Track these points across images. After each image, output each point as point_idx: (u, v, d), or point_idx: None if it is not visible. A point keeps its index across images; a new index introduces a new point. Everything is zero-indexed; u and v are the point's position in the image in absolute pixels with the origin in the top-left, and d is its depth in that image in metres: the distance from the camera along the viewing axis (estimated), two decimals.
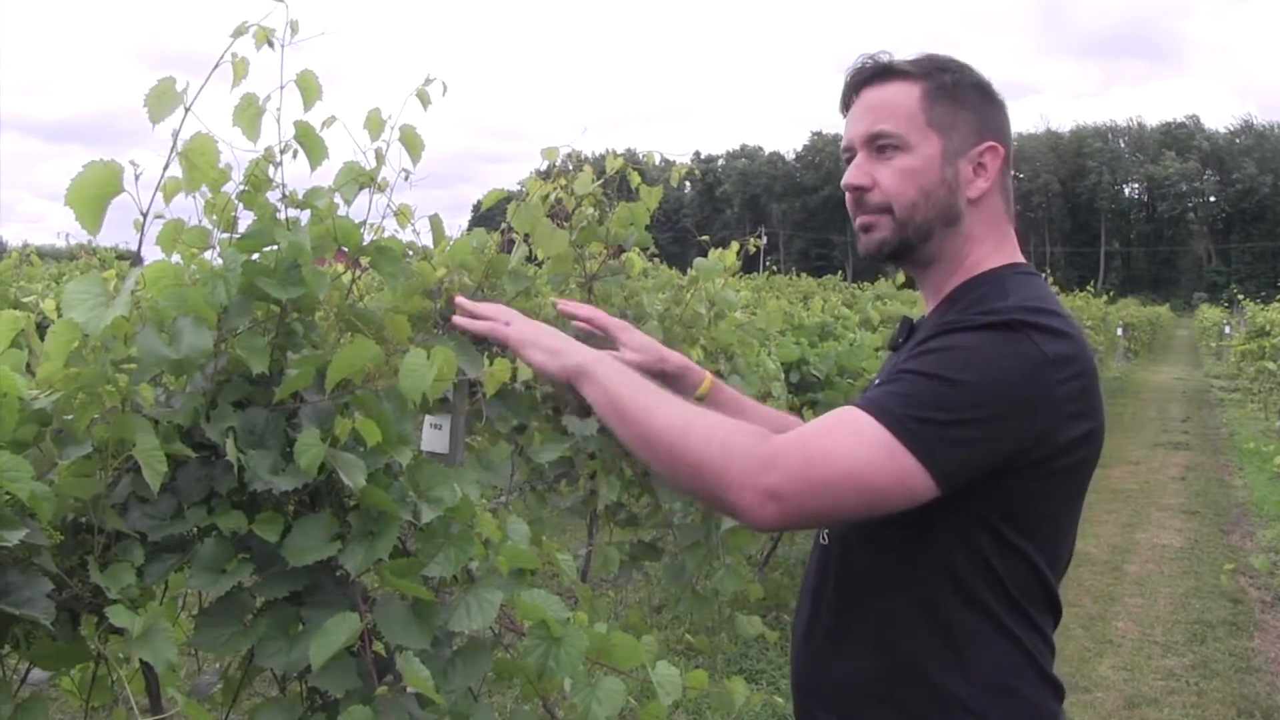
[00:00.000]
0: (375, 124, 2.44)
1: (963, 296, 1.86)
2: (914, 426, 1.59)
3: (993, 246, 1.89)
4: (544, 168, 3.54)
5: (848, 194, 1.90)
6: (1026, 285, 1.82)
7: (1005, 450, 1.63)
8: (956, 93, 1.86)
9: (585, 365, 1.84)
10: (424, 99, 2.48)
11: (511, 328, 1.96)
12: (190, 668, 2.71)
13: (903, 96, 1.85)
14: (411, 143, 2.48)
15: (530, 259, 3.48)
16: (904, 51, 1.93)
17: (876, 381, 1.90)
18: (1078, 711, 5.62)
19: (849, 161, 1.91)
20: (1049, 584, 1.82)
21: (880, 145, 1.85)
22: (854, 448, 1.59)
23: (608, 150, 3.74)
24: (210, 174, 2.15)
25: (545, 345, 1.92)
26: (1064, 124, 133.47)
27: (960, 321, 1.70)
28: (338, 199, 2.36)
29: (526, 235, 3.34)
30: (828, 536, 1.93)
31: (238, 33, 2.10)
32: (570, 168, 3.62)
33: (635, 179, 3.79)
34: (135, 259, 2.25)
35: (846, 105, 1.93)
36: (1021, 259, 1.91)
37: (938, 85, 1.86)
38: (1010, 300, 1.75)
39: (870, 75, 1.90)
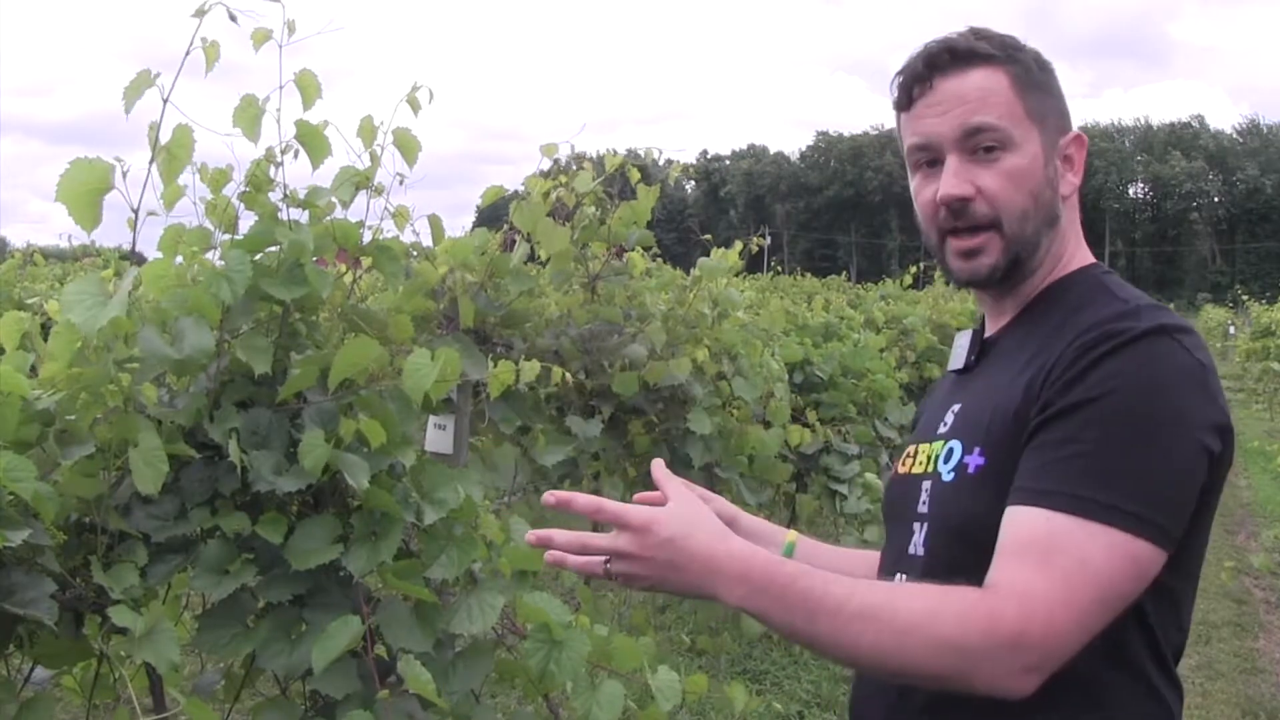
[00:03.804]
0: (368, 130, 2.44)
1: (1055, 300, 1.64)
2: (1132, 508, 1.37)
3: (1076, 243, 1.68)
4: (547, 166, 3.54)
5: (942, 209, 1.61)
6: (1123, 284, 1.62)
7: (1203, 476, 1.45)
8: (1041, 77, 1.63)
9: (721, 596, 1.43)
10: (414, 105, 2.48)
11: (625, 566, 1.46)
12: (194, 666, 2.71)
13: (993, 84, 1.59)
14: (406, 146, 2.48)
15: (532, 258, 3.48)
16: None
17: (956, 408, 1.67)
18: None
19: (922, 164, 1.64)
20: (1186, 629, 1.58)
21: (982, 144, 1.58)
22: (1087, 573, 1.36)
23: (609, 150, 3.74)
24: (186, 163, 2.14)
25: (672, 582, 1.46)
26: None
27: (1098, 342, 1.45)
28: (335, 202, 2.37)
29: (528, 234, 3.34)
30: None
31: (200, 12, 2.08)
32: (574, 166, 3.62)
33: (635, 175, 3.78)
34: (133, 258, 2.25)
35: (910, 98, 1.64)
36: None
37: (1024, 69, 1.61)
38: (1126, 299, 1.55)
39: (948, 61, 1.61)
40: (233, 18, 2.11)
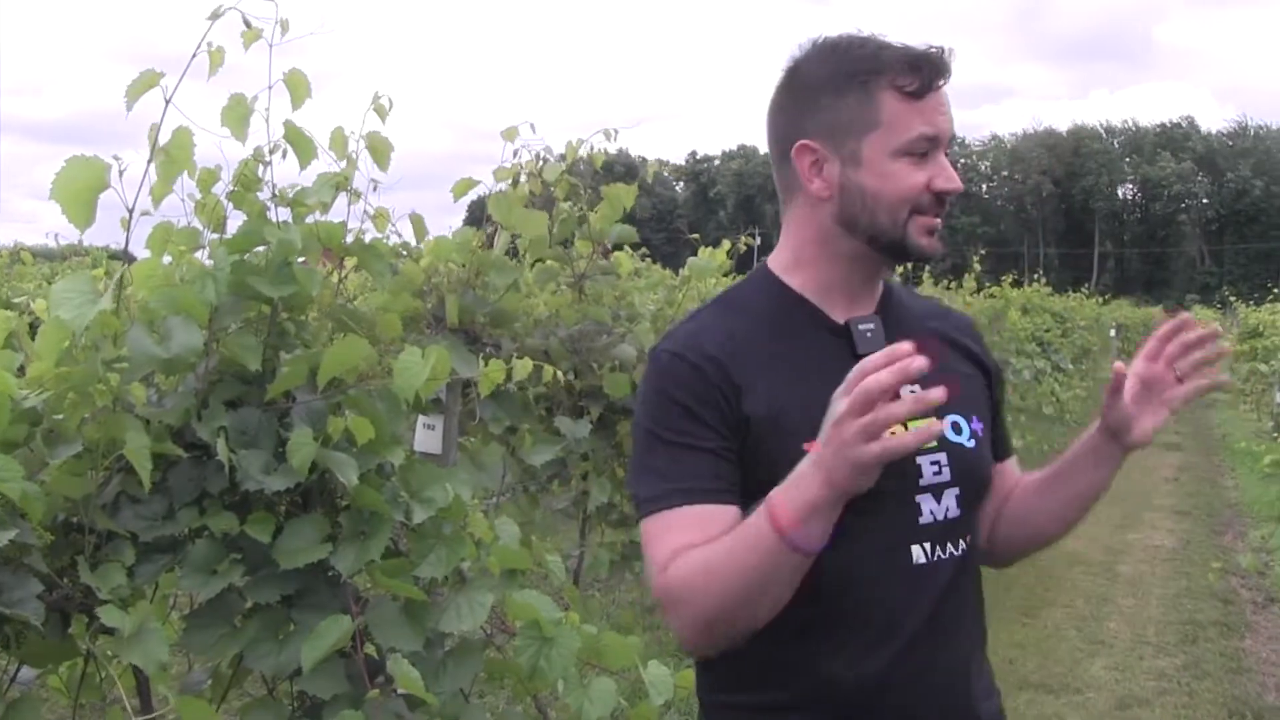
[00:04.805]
0: (339, 140, 2.43)
1: (902, 296, 1.91)
2: None
3: None
4: (515, 156, 3.54)
5: (933, 196, 1.72)
6: None
7: None
8: None
9: None
10: (381, 113, 2.47)
11: None
12: (181, 665, 2.71)
13: None
14: (378, 149, 2.47)
15: (513, 254, 3.47)
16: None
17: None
18: (1070, 712, 5.63)
19: (918, 153, 1.71)
20: None
21: (946, 151, 1.75)
22: None
23: (590, 146, 3.71)
24: (187, 165, 2.14)
25: None
26: (1044, 127, 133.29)
27: (968, 339, 1.94)
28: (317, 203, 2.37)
29: (506, 226, 3.34)
30: (963, 546, 1.78)
31: (214, 15, 2.09)
32: (552, 160, 3.63)
33: (598, 161, 3.74)
34: (125, 257, 2.25)
35: (927, 90, 1.71)
36: None
37: None
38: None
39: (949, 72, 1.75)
40: (248, 23, 2.12)
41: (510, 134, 3.43)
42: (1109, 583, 8.19)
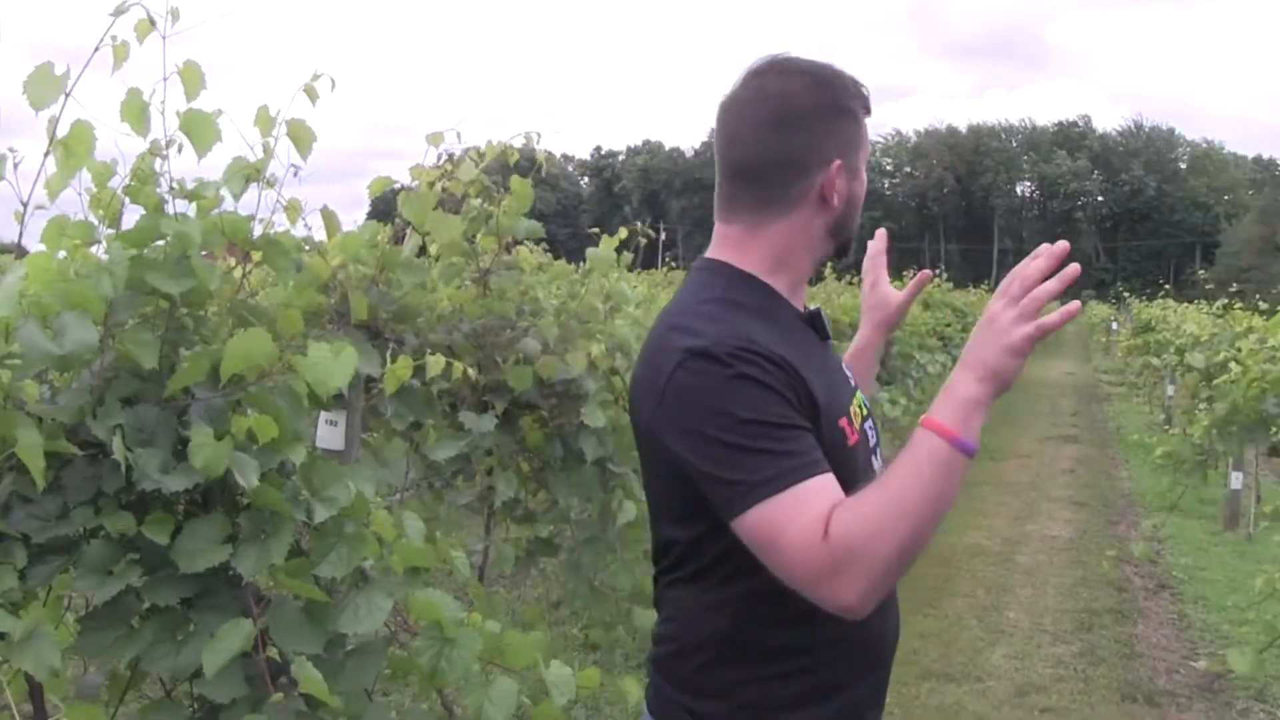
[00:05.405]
0: (264, 120, 2.39)
1: None
2: None
3: None
4: (434, 158, 3.51)
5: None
6: None
7: None
8: None
9: None
10: (312, 94, 2.43)
11: None
12: (76, 668, 2.65)
13: None
14: (300, 137, 2.43)
15: (423, 253, 3.45)
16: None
17: (847, 366, 2.08)
18: (971, 700, 5.72)
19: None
20: None
21: None
22: None
23: (490, 140, 3.70)
24: (86, 160, 2.10)
25: None
26: (945, 125, 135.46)
27: None
28: (226, 194, 2.32)
29: (417, 227, 3.31)
30: None
31: (118, 11, 2.05)
32: (468, 160, 3.60)
33: (513, 156, 3.74)
34: (18, 251, 2.20)
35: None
36: None
37: None
38: None
39: None
40: (152, 22, 2.08)
41: (435, 139, 3.41)
42: (1008, 573, 8.33)
